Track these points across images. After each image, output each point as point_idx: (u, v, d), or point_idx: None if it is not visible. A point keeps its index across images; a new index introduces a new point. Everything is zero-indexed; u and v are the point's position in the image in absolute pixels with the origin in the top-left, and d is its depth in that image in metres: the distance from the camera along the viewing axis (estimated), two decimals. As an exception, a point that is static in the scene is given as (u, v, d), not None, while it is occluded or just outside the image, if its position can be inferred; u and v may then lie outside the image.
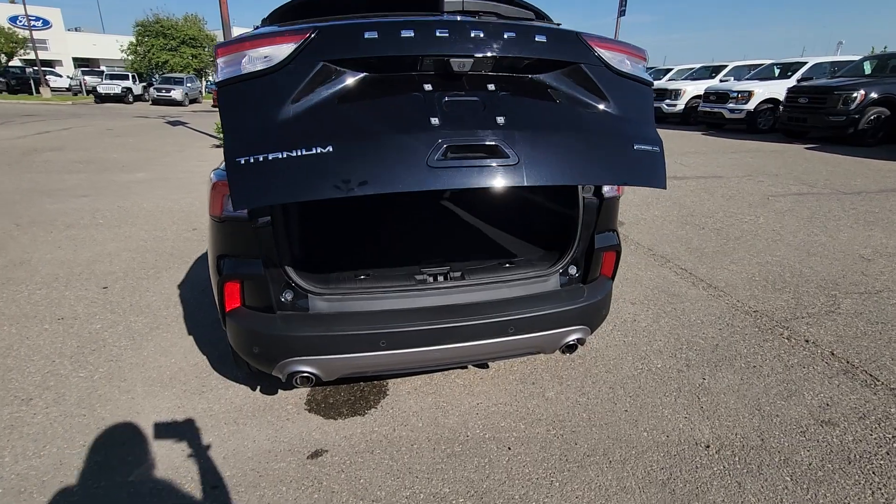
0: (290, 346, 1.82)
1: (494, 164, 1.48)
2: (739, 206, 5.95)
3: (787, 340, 2.96)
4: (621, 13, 21.26)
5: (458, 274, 2.07)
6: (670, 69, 18.86)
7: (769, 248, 4.54)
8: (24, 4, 27.74)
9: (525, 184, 1.49)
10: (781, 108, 11.99)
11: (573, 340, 2.08)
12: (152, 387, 2.50)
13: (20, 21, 32.93)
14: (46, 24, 43.05)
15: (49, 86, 28.50)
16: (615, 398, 2.44)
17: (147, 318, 3.19)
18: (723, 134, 13.29)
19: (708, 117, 13.96)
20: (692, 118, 15.30)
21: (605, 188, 2.11)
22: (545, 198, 2.75)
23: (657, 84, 16.94)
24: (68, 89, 32.87)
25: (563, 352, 2.18)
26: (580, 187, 2.10)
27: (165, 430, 2.19)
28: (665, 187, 1.77)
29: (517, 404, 2.39)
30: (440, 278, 2.06)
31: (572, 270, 2.15)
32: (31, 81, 28.99)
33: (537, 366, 2.69)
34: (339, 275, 2.07)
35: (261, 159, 1.37)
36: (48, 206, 5.73)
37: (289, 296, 1.89)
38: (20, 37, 31.82)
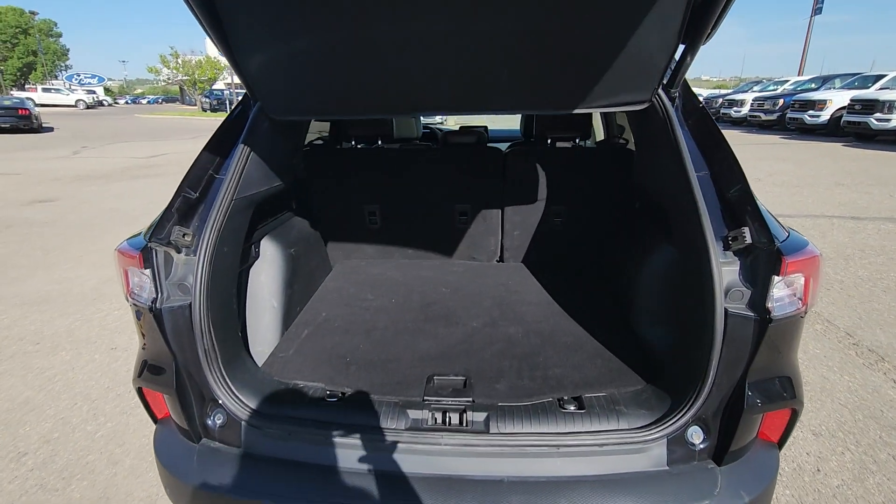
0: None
1: None
2: None
3: None
4: (816, 11, 17.77)
5: (480, 417, 1.25)
6: (883, 75, 14.97)
7: None
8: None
9: None
10: None
11: None
12: (143, 462, 2.11)
13: (225, 51, 39.41)
14: (246, 53, 51.21)
15: (240, 105, 33.54)
16: None
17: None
18: (966, 158, 9.93)
19: (942, 136, 10.58)
20: (915, 136, 11.83)
21: (776, 293, 1.11)
22: (649, 293, 1.77)
23: (862, 94, 13.51)
24: (255, 108, 38.40)
25: None
26: (718, 286, 1.13)
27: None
28: None
29: None
30: (451, 418, 1.25)
31: (694, 437, 1.18)
32: (227, 101, 34.42)
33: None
34: (298, 390, 1.40)
35: None
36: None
37: (219, 419, 1.27)
38: (222, 65, 38.12)
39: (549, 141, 2.60)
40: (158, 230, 1.27)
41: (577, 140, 2.60)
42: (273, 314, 1.87)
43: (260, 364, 1.66)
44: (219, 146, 1.55)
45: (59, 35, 60.29)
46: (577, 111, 1.57)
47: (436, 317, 2.05)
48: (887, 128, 12.43)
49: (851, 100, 13.77)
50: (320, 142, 2.80)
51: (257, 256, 1.90)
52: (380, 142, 2.68)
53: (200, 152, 1.50)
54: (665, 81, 1.44)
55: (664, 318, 1.64)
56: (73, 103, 38.75)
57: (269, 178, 1.83)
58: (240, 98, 1.81)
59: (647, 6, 1.15)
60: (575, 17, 1.21)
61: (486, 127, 3.85)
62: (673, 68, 1.41)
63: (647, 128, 1.74)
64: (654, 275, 1.80)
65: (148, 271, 1.24)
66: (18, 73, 53.61)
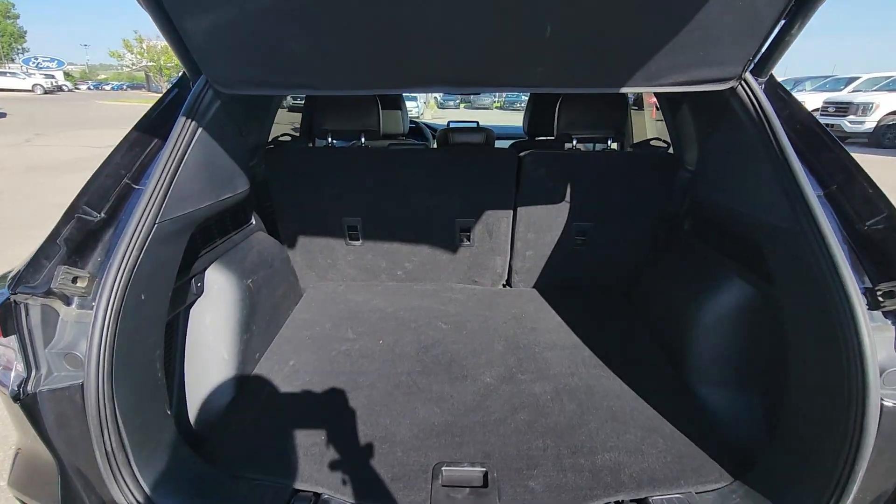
0: None
1: None
2: None
3: None
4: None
5: None
6: (856, 78, 15.24)
7: None
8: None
9: None
10: None
11: None
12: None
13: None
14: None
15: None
16: None
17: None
18: (938, 162, 10.10)
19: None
20: (887, 139, 12.07)
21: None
22: (717, 346, 1.47)
23: (835, 97, 13.72)
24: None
25: None
26: (870, 363, 0.82)
27: None
28: None
29: None
30: None
31: None
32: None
33: None
34: (255, 491, 1.03)
35: None
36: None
37: None
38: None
39: (573, 142, 2.14)
40: (31, 273, 0.87)
41: (609, 141, 2.15)
42: (223, 368, 1.48)
43: (203, 444, 1.27)
44: (141, 142, 1.15)
45: (17, 17, 57.05)
46: (642, 89, 1.20)
47: (436, 366, 1.66)
48: (861, 130, 12.63)
49: (825, 102, 13.97)
50: (288, 138, 2.31)
51: (200, 293, 1.49)
52: (363, 139, 2.22)
53: (112, 151, 1.09)
54: (755, 60, 1.10)
55: (746, 383, 1.30)
56: (30, 88, 36.55)
57: (215, 186, 1.43)
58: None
59: None
60: None
61: (477, 122, 3.31)
62: (767, 48, 1.08)
63: (723, 125, 1.38)
64: (723, 322, 1.45)
65: (12, 339, 0.85)
66: (-30, 55, 50.55)
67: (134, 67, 43.19)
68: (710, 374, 1.50)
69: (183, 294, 1.39)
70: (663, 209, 2.04)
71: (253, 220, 1.97)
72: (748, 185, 1.23)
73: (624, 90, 1.21)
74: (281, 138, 2.31)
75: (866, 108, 12.60)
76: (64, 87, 46.57)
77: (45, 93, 37.35)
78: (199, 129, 1.29)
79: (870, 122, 12.44)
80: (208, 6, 1.04)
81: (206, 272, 1.54)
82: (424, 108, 22.87)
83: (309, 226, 2.21)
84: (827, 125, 11.38)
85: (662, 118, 2.19)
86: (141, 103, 31.48)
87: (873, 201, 0.93)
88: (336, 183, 2.10)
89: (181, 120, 1.23)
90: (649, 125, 2.72)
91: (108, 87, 62.77)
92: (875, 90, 13.54)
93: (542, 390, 1.52)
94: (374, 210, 2.16)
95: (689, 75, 1.13)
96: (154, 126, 1.22)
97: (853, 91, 14.28)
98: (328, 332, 1.91)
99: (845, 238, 0.93)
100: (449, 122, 3.49)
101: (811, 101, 14.97)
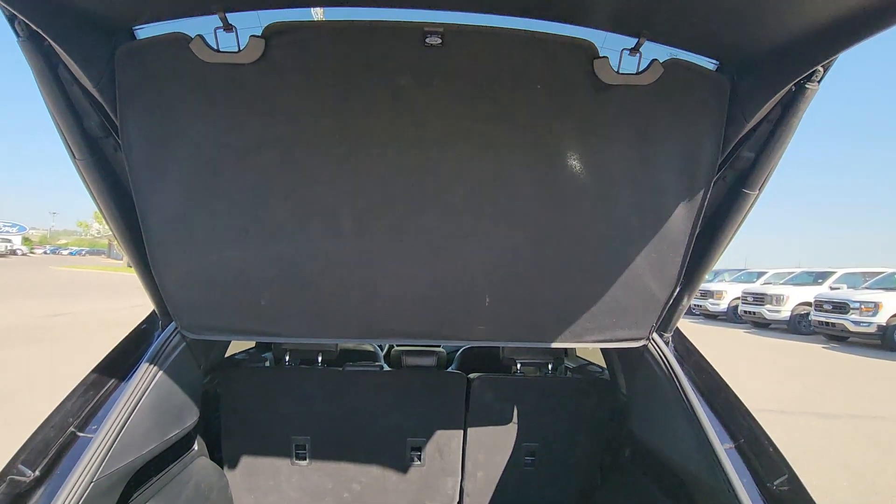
0: None
1: None
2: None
3: None
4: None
5: None
6: (763, 272, 17.55)
7: None
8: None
9: None
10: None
11: None
12: None
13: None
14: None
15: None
16: None
17: None
18: (851, 349, 11.11)
19: (825, 328, 12.05)
20: (802, 327, 13.42)
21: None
22: None
23: (752, 289, 15.50)
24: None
25: None
26: None
27: None
28: None
29: None
30: None
31: None
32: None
33: None
34: None
35: None
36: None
37: None
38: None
39: (517, 366, 2.28)
40: None
41: (549, 367, 2.31)
42: None
43: None
44: (97, 384, 1.16)
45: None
46: (566, 346, 1.41)
47: None
48: (778, 318, 14.03)
49: (743, 292, 15.70)
50: (243, 355, 2.30)
51: None
52: (319, 358, 2.26)
53: (66, 396, 1.07)
54: (658, 323, 1.35)
55: None
56: (-18, 251, 36.04)
57: (163, 426, 1.36)
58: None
59: (655, 229, 1.10)
60: (573, 241, 1.14)
61: None
62: (667, 309, 1.34)
63: (641, 373, 1.57)
64: None
65: None
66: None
67: (98, 235, 43.88)
68: None
69: None
70: (604, 435, 2.13)
71: (196, 446, 1.88)
72: (668, 431, 1.34)
73: (554, 346, 1.43)
74: (237, 356, 2.33)
75: (779, 300, 14.19)
76: (18, 252, 46.11)
77: (-2, 256, 36.68)
78: (160, 373, 1.30)
79: (785, 311, 13.90)
80: (190, 265, 1.17)
81: None
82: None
83: (256, 446, 2.13)
84: (750, 312, 12.57)
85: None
86: (97, 269, 31.10)
87: (774, 460, 1.08)
88: (288, 403, 2.11)
89: (144, 366, 1.26)
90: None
91: (65, 252, 62.48)
92: (782, 283, 15.46)
93: None
94: (325, 429, 2.15)
95: (607, 335, 1.38)
96: (114, 366, 1.24)
97: (764, 283, 16.22)
98: None
99: (760, 495, 1.04)
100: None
101: (731, 290, 16.84)
